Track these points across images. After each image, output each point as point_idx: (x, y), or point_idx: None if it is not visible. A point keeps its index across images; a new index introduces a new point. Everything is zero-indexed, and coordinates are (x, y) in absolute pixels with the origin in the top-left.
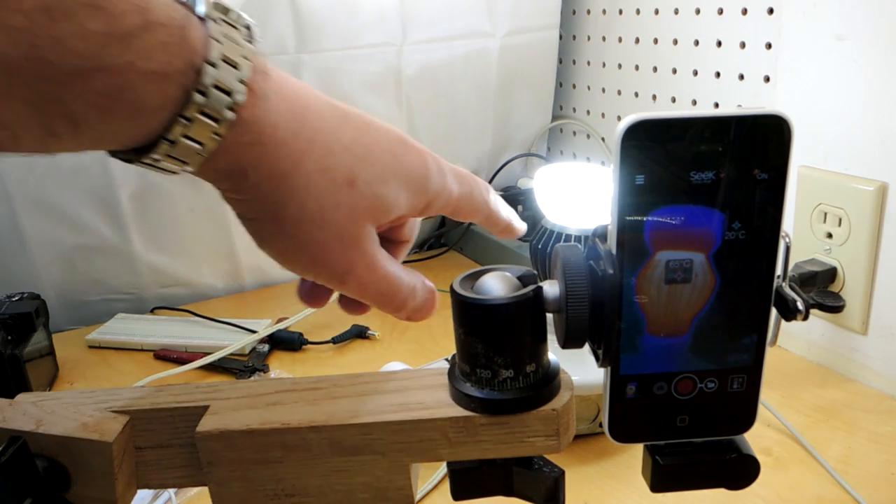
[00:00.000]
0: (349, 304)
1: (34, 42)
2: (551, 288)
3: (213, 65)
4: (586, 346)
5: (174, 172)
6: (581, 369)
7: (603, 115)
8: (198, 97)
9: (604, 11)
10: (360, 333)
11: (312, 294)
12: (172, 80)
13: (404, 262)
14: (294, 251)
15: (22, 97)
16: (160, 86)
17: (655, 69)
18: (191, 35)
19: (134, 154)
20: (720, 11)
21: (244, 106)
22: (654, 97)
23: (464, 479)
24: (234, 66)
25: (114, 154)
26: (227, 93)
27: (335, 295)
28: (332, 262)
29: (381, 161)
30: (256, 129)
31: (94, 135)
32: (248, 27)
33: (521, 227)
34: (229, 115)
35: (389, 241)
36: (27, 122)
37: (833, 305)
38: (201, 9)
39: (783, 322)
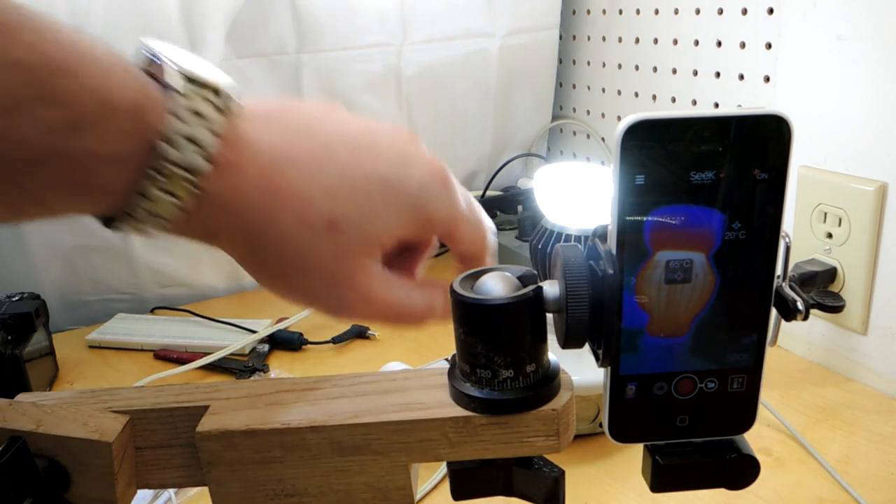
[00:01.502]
0: None
1: None
2: (551, 288)
3: (171, 143)
4: (586, 346)
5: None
6: (581, 369)
7: (603, 115)
8: (156, 176)
9: (604, 11)
10: (360, 333)
11: None
12: (130, 162)
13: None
14: (287, 294)
15: None
16: (119, 168)
17: (655, 69)
18: (150, 116)
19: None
20: (720, 11)
21: (208, 180)
22: (654, 97)
23: (464, 479)
24: (197, 142)
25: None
26: (189, 170)
27: None
28: (324, 302)
29: (369, 195)
30: (220, 200)
31: (63, 209)
32: (228, 95)
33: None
34: (192, 191)
35: (408, 248)
36: None
37: (833, 305)
38: (173, 81)
39: (783, 322)
